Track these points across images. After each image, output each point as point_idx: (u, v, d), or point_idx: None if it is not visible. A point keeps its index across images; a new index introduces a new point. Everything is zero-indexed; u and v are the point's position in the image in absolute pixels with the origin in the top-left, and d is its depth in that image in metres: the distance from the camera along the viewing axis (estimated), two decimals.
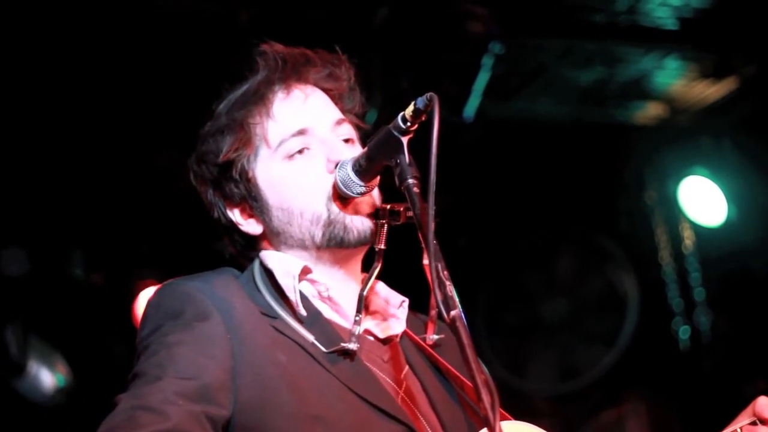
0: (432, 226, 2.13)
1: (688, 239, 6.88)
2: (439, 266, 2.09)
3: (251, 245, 2.62)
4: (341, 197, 2.48)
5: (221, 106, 2.62)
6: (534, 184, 6.61)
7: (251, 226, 2.59)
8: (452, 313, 2.03)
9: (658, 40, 5.72)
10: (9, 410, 5.36)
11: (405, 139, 2.31)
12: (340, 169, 2.46)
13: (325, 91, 2.64)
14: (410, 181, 2.25)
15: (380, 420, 2.33)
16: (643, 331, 6.72)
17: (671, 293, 6.89)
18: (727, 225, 6.53)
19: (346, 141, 2.59)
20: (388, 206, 2.46)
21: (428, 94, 2.24)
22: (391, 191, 2.38)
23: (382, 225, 2.46)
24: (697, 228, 6.81)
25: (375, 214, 2.48)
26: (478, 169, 6.36)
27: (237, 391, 2.26)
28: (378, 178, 2.45)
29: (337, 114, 2.62)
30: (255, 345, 2.33)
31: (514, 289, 6.96)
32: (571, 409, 7.03)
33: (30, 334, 5.41)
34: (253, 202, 2.56)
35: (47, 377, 5.40)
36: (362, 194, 2.46)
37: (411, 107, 2.28)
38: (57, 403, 5.52)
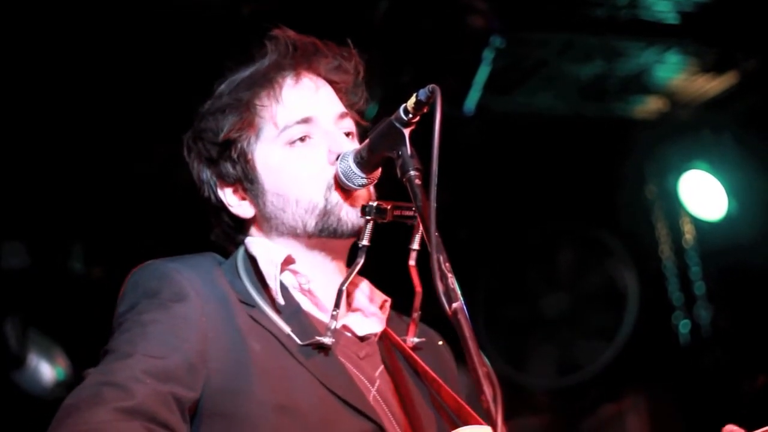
0: (434, 217, 2.12)
1: (689, 233, 6.88)
2: (441, 258, 2.08)
3: (239, 229, 2.62)
4: (340, 188, 2.48)
5: (223, 86, 2.61)
6: (534, 178, 6.61)
7: (243, 209, 2.58)
8: (454, 305, 2.03)
9: (658, 34, 5.72)
10: (8, 403, 5.36)
11: (407, 131, 2.31)
12: (341, 160, 2.46)
13: (332, 83, 2.64)
14: (412, 173, 2.25)
15: (350, 416, 2.33)
16: (643, 326, 6.72)
17: (671, 287, 6.89)
18: (727, 219, 6.53)
19: (347, 135, 2.59)
20: (375, 203, 2.46)
21: (430, 86, 2.24)
22: (393, 183, 2.37)
23: (368, 221, 2.45)
24: (697, 222, 6.80)
25: (362, 210, 2.47)
26: (478, 163, 6.35)
27: (207, 374, 2.25)
28: (379, 169, 2.45)
29: (341, 107, 2.62)
30: (229, 331, 2.33)
31: (513, 284, 6.96)
32: (571, 403, 7.04)
33: (30, 327, 5.41)
34: (248, 184, 2.55)
35: (47, 370, 5.40)
36: (363, 186, 2.46)
37: (413, 99, 2.28)
38: (57, 396, 5.51)
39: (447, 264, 2.08)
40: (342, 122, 2.60)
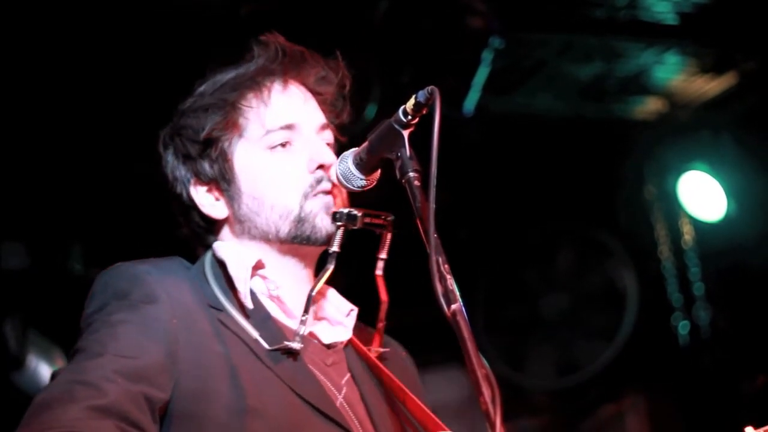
0: (433, 219, 2.12)
1: (688, 234, 6.88)
2: (440, 260, 2.09)
3: (209, 229, 2.61)
4: (316, 196, 2.48)
5: (205, 86, 2.60)
6: (533, 178, 6.61)
7: (216, 209, 2.57)
8: (453, 306, 2.03)
9: (658, 35, 5.72)
10: (8, 404, 5.36)
11: (406, 133, 2.31)
12: (340, 162, 2.46)
13: (316, 94, 2.64)
14: (411, 174, 2.25)
15: (318, 420, 2.33)
16: (643, 326, 6.72)
17: (671, 288, 6.89)
18: (726, 220, 6.53)
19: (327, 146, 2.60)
20: (347, 210, 2.47)
21: (429, 88, 2.24)
22: (392, 185, 2.37)
23: (339, 227, 2.46)
24: (696, 223, 6.81)
25: (333, 216, 2.47)
26: (477, 164, 6.35)
27: (178, 376, 2.25)
28: (378, 171, 2.45)
29: (323, 118, 2.62)
30: (199, 334, 2.33)
31: (513, 284, 6.96)
32: (570, 404, 7.04)
33: (29, 328, 5.41)
34: (225, 184, 2.54)
35: (46, 371, 5.39)
36: (362, 187, 2.46)
37: (412, 100, 2.28)
38: None
39: (446, 266, 2.09)
40: (323, 133, 2.60)
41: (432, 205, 2.13)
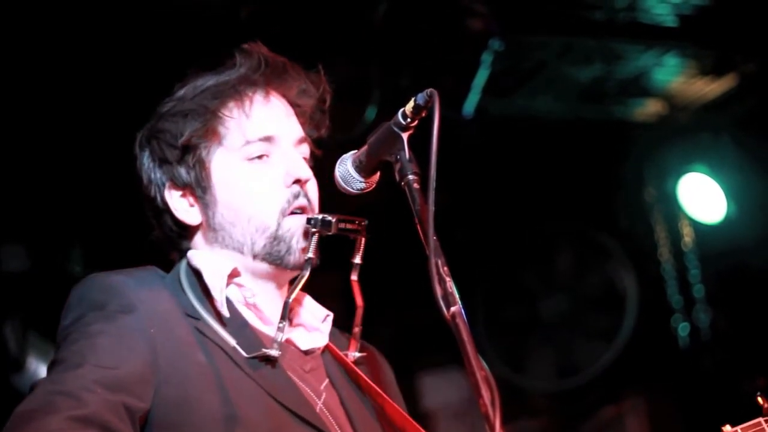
0: (432, 222, 2.12)
1: (688, 236, 6.88)
2: (439, 262, 2.08)
3: (182, 235, 2.59)
4: (293, 214, 2.48)
5: (185, 90, 2.58)
6: (533, 181, 6.61)
7: (190, 215, 2.55)
8: (452, 309, 2.02)
9: (657, 37, 5.72)
10: (8, 407, 5.36)
11: (405, 135, 2.30)
12: (340, 165, 2.45)
13: (296, 107, 2.63)
14: (410, 177, 2.24)
15: (298, 426, 2.33)
16: (643, 328, 6.72)
17: (670, 290, 6.90)
18: (726, 222, 6.53)
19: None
20: (320, 216, 2.47)
21: (428, 90, 2.24)
22: (391, 187, 2.37)
23: (313, 234, 2.45)
24: (696, 225, 6.81)
25: (307, 221, 2.47)
26: (477, 166, 6.36)
27: (157, 385, 2.24)
28: (378, 174, 2.45)
29: (301, 132, 2.61)
30: (177, 343, 2.32)
31: (513, 286, 6.96)
32: (570, 406, 7.04)
33: (29, 330, 5.41)
34: (200, 192, 2.52)
35: None
36: (362, 190, 2.45)
37: (411, 103, 2.28)
38: None
39: (445, 268, 2.08)
40: (300, 147, 2.59)
41: (431, 208, 2.12)
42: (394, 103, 2.35)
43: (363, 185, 2.44)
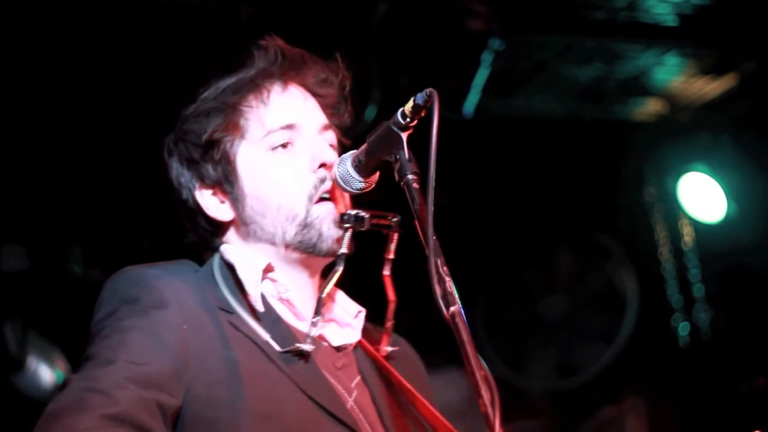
0: (431, 221, 2.12)
1: (688, 236, 6.88)
2: (439, 262, 2.09)
3: (215, 233, 2.60)
4: (320, 202, 2.48)
5: (208, 92, 2.60)
6: (533, 180, 6.61)
7: (221, 212, 2.57)
8: (452, 309, 2.03)
9: (657, 36, 5.72)
10: (8, 406, 5.36)
11: (404, 135, 2.31)
12: (339, 164, 2.46)
13: (317, 96, 2.64)
14: (410, 176, 2.25)
15: (329, 423, 2.34)
16: (643, 328, 6.72)
17: (670, 290, 6.89)
18: (726, 221, 6.53)
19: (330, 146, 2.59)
20: (354, 211, 2.47)
21: (428, 90, 2.25)
22: (391, 187, 2.37)
23: (347, 229, 2.46)
24: (696, 224, 6.81)
25: (341, 218, 2.47)
26: (476, 165, 6.35)
27: (189, 381, 2.24)
28: (377, 173, 2.45)
29: (325, 119, 2.62)
30: (210, 338, 2.32)
31: (512, 286, 6.96)
32: (570, 406, 7.03)
33: (29, 330, 5.41)
34: (228, 186, 2.54)
35: (46, 373, 5.39)
36: (361, 189, 2.46)
37: (410, 103, 2.28)
38: None
39: (445, 267, 2.09)
40: (325, 134, 2.60)
41: (430, 207, 2.13)
42: (394, 103, 2.35)
43: (362, 185, 2.45)
